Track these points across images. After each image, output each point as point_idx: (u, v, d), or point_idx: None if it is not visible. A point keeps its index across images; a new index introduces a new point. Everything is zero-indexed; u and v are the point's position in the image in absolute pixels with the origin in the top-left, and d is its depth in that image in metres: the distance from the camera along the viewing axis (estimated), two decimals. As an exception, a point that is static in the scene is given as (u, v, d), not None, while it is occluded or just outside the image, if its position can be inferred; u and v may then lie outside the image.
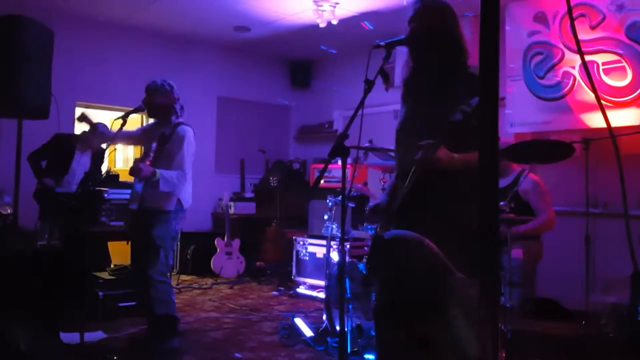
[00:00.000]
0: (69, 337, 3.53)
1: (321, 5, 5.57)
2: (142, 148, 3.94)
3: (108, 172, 5.60)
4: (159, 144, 3.64)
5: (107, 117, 7.25)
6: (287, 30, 6.60)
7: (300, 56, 7.90)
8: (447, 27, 2.09)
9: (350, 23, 6.02)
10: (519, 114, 4.97)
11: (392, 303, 2.04)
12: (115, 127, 3.55)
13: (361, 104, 2.01)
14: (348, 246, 4.68)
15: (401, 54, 2.27)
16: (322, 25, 5.74)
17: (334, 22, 5.72)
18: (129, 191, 3.86)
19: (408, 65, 2.17)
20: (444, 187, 1.97)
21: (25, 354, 3.05)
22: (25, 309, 3.23)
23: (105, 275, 4.64)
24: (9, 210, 3.72)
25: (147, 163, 3.47)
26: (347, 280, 3.54)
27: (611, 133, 1.24)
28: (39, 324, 3.29)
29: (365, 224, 4.07)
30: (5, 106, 3.48)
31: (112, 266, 5.08)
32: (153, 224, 3.54)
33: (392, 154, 2.78)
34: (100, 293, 4.36)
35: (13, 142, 3.68)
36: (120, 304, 4.41)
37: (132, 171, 3.45)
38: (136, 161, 3.47)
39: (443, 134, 1.84)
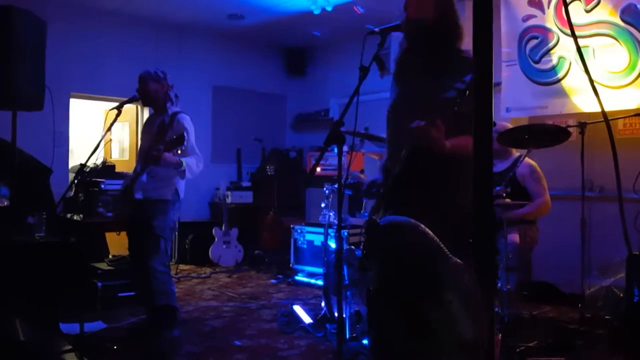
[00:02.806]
0: (69, 328, 3.55)
1: (315, -8, 5.54)
2: (141, 139, 3.92)
3: (104, 162, 5.58)
4: (159, 133, 3.64)
5: (102, 108, 7.24)
6: (282, 18, 6.56)
7: (295, 43, 7.86)
8: (442, 13, 2.08)
9: (344, 9, 5.98)
10: (515, 99, 4.97)
11: (387, 289, 2.05)
12: (110, 117, 3.54)
13: (356, 91, 2.01)
14: (345, 233, 4.69)
15: (396, 40, 2.27)
16: (317, 12, 5.71)
17: (328, 8, 5.69)
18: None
19: (401, 46, 2.17)
20: (438, 171, 1.97)
21: (25, 345, 3.06)
22: (24, 300, 3.24)
23: (103, 265, 4.66)
24: (5, 203, 3.71)
25: (179, 152, 3.43)
26: (345, 267, 3.56)
27: (605, 117, 1.25)
28: (38, 315, 3.31)
29: (362, 211, 4.08)
30: (-1, 98, 3.46)
31: (110, 257, 5.09)
32: (153, 214, 3.55)
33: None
34: (99, 283, 4.37)
35: (8, 135, 3.66)
36: (120, 294, 4.43)
37: (152, 160, 3.41)
38: (158, 150, 3.37)
39: (436, 110, 1.83)
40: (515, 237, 3.72)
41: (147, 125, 3.88)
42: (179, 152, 3.42)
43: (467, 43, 2.09)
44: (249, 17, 6.61)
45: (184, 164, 3.49)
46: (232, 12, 6.46)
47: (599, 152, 4.00)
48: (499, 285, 3.23)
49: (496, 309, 3.02)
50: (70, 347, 3.27)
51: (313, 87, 8.02)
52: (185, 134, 3.41)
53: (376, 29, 2.07)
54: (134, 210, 3.65)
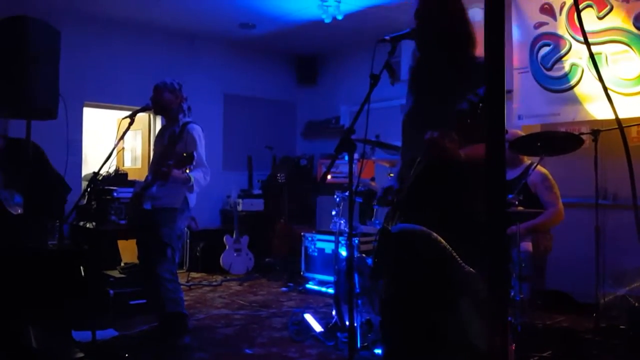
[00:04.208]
0: (81, 336, 3.56)
1: (326, 1, 5.56)
2: (154, 150, 3.96)
3: (117, 170, 5.63)
4: (170, 143, 3.66)
5: (115, 117, 7.31)
6: (293, 26, 6.59)
7: (306, 52, 7.89)
8: (453, 20, 2.07)
9: (355, 18, 6.00)
10: (527, 106, 4.94)
11: (399, 297, 2.03)
12: (123, 126, 3.57)
13: (367, 99, 2.01)
14: (356, 241, 4.68)
15: (407, 47, 2.26)
16: (327, 20, 5.74)
17: (339, 17, 5.71)
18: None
19: (415, 55, 2.16)
20: (451, 179, 1.96)
21: (38, 352, 3.08)
22: (37, 307, 3.26)
23: (115, 273, 4.68)
24: (19, 211, 3.75)
25: (187, 171, 3.44)
26: (355, 275, 3.55)
27: (619, 124, 1.23)
28: (51, 323, 3.32)
29: (373, 219, 4.07)
30: (14, 107, 3.50)
31: (122, 264, 5.11)
32: (161, 222, 3.56)
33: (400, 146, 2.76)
34: (111, 291, 4.39)
35: (22, 143, 3.70)
36: (131, 302, 4.44)
37: (161, 176, 3.42)
38: (168, 166, 3.37)
39: (449, 123, 1.82)
40: (528, 246, 3.69)
41: (159, 136, 3.91)
42: (187, 170, 3.44)
43: (481, 50, 2.08)
44: (260, 26, 6.65)
45: (192, 179, 3.51)
46: (243, 22, 6.50)
47: (612, 160, 3.96)
48: (513, 294, 3.20)
49: (510, 319, 2.99)
50: (82, 354, 3.28)
51: (324, 94, 8.03)
52: (194, 154, 3.41)
53: (387, 37, 2.07)
54: (142, 219, 3.66)
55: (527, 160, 3.96)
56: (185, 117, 3.75)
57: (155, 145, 3.98)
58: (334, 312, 3.96)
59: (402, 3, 5.45)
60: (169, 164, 3.35)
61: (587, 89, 4.54)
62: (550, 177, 3.84)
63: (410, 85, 2.22)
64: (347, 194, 4.22)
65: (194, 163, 3.41)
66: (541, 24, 4.84)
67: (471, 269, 1.81)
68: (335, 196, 4.42)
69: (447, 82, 2.03)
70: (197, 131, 3.67)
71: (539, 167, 3.64)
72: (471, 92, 1.74)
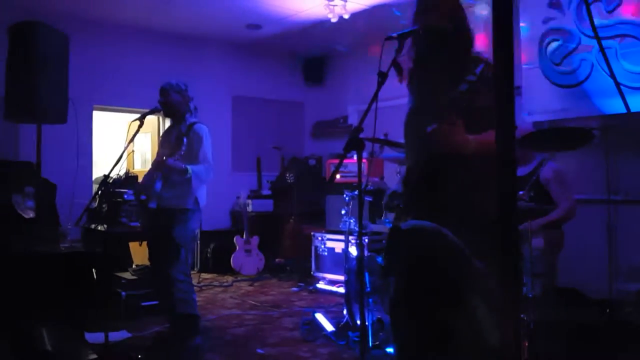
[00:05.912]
0: (94, 337, 3.59)
1: (332, 0, 5.56)
2: (160, 149, 3.97)
3: (127, 173, 5.65)
4: (177, 144, 3.67)
5: (124, 120, 7.35)
6: (299, 27, 6.59)
7: (313, 52, 7.89)
8: (457, 21, 2.07)
9: (362, 17, 5.99)
10: (536, 102, 4.91)
11: (410, 294, 2.03)
12: (132, 129, 3.59)
13: (375, 98, 2.00)
14: (366, 240, 4.67)
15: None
16: (334, 20, 5.73)
17: (346, 16, 5.71)
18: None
19: (411, 53, 2.14)
20: (461, 175, 1.94)
21: (51, 354, 3.10)
22: (50, 310, 3.28)
23: (127, 275, 4.71)
24: (31, 215, 3.78)
25: (178, 158, 3.47)
26: (366, 274, 3.54)
27: (631, 119, 1.22)
28: (64, 325, 3.35)
29: (383, 217, 4.06)
30: (24, 111, 3.53)
31: (134, 266, 5.14)
32: (172, 224, 3.57)
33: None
34: (123, 293, 4.41)
35: (33, 147, 3.74)
36: (143, 303, 4.47)
37: (158, 166, 3.46)
38: (163, 157, 3.45)
39: (448, 107, 1.81)
40: (540, 242, 3.66)
41: (166, 136, 3.92)
42: (177, 158, 3.45)
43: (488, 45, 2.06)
44: (267, 27, 6.66)
45: (190, 170, 3.49)
46: (250, 23, 6.51)
47: (623, 155, 3.92)
48: (525, 291, 3.18)
49: (522, 316, 2.98)
50: (95, 356, 3.31)
51: (331, 94, 8.03)
52: (184, 139, 3.45)
53: (394, 35, 2.06)
54: (151, 219, 3.67)
55: (539, 156, 3.93)
56: (192, 117, 3.76)
57: (161, 144, 3.98)
58: (344, 312, 3.96)
59: (409, 1, 5.43)
60: (162, 157, 3.40)
61: (597, 84, 4.49)
62: (563, 172, 3.81)
63: (410, 85, 2.20)
64: (356, 192, 4.22)
65: (183, 148, 3.46)
66: (549, 19, 4.80)
67: (481, 265, 1.80)
68: (344, 195, 4.41)
69: (447, 77, 2.02)
70: (202, 129, 3.69)
71: (551, 162, 3.61)
72: (470, 73, 1.73)
